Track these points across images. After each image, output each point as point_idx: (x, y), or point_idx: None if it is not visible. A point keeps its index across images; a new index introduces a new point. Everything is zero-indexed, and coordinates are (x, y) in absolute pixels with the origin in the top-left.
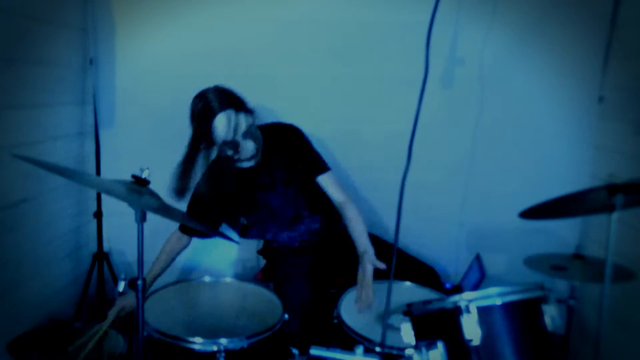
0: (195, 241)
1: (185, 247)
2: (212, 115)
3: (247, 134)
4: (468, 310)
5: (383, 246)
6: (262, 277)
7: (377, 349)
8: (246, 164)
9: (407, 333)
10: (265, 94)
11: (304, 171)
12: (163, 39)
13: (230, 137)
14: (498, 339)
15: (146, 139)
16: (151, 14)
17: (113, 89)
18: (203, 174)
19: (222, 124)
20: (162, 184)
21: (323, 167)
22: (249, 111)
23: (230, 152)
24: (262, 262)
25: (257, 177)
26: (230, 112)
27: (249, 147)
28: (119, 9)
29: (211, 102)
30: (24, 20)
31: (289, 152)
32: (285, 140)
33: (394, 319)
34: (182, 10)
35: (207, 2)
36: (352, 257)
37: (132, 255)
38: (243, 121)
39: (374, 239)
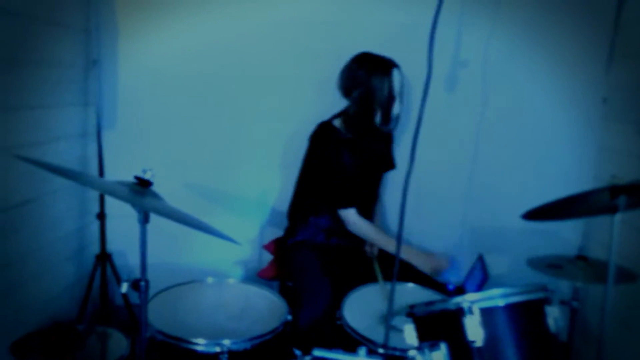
0: (197, 242)
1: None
2: (391, 67)
3: (401, 95)
4: (471, 312)
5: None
6: (275, 275)
7: (380, 350)
8: (387, 128)
9: (410, 334)
10: (266, 93)
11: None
12: (166, 40)
13: (398, 91)
14: (501, 341)
15: (149, 140)
16: (154, 15)
17: (116, 90)
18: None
19: (399, 77)
20: (165, 185)
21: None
22: None
23: (390, 110)
24: (265, 262)
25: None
26: (399, 70)
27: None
28: (122, 11)
29: (385, 58)
30: (27, 22)
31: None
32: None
33: (397, 321)
34: (184, 12)
35: (209, 4)
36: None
37: (135, 257)
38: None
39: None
